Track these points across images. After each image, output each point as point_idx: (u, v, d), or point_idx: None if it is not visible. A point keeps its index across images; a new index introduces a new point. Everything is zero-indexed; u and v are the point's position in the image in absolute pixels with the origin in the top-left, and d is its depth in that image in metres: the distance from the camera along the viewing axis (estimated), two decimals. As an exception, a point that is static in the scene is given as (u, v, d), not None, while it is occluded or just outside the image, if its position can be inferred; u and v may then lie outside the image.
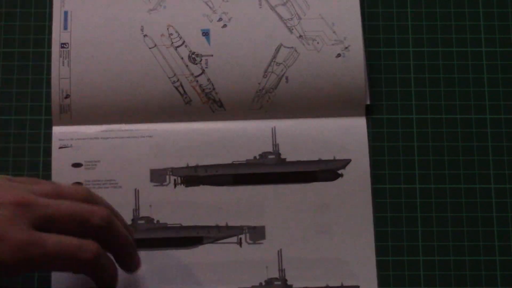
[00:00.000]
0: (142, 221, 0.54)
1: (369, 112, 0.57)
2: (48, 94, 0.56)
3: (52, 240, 0.44)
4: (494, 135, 0.57)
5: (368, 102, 0.56)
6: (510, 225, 0.55)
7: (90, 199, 0.47)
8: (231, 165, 0.55)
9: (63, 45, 0.56)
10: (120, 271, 0.49)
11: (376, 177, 0.56)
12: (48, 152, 0.55)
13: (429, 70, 0.58)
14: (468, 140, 0.57)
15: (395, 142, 0.57)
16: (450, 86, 0.58)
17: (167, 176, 0.54)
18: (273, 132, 0.55)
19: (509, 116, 0.57)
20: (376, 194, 0.56)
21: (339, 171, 0.55)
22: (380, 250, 0.55)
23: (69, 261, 0.45)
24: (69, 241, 0.44)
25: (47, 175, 0.55)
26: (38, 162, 0.55)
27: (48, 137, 0.56)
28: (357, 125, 0.56)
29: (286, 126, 0.55)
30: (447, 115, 0.57)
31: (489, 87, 0.58)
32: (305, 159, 0.55)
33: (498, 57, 0.58)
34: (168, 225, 0.54)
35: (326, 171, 0.55)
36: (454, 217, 0.55)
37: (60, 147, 0.55)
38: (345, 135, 0.55)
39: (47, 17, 0.58)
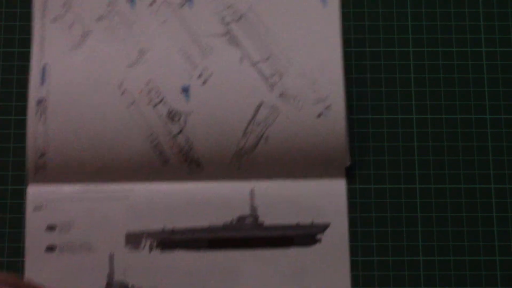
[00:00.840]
0: (117, 286, 0.53)
1: (368, 112, 0.57)
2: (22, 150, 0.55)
3: None
4: (494, 135, 0.57)
5: (349, 163, 0.55)
6: (510, 225, 0.55)
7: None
8: (208, 229, 0.54)
9: (39, 101, 0.54)
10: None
11: (376, 177, 0.56)
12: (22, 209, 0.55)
13: (429, 70, 0.58)
14: (468, 140, 0.57)
15: (395, 142, 0.57)
16: (450, 86, 0.58)
17: (143, 240, 0.53)
18: (251, 194, 0.54)
19: (509, 116, 0.57)
20: (376, 194, 0.56)
21: (317, 236, 0.54)
22: (380, 250, 0.55)
23: None
24: None
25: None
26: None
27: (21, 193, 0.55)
28: (336, 188, 0.55)
29: (264, 188, 0.54)
30: (447, 115, 0.57)
31: (489, 87, 0.58)
32: (283, 222, 0.54)
33: (498, 57, 0.58)
34: None
35: (304, 235, 0.54)
36: (454, 217, 0.56)
37: (34, 210, 0.54)
38: (324, 198, 0.54)
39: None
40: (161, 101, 0.54)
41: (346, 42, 0.58)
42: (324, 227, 0.54)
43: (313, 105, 0.54)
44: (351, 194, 0.56)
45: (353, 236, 0.55)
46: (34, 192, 0.54)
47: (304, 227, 0.54)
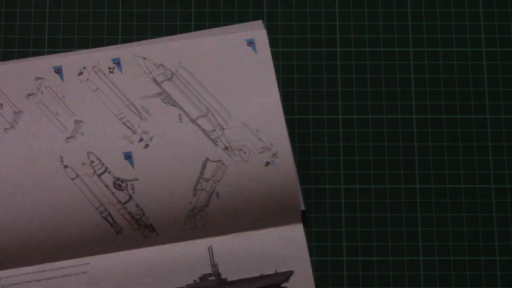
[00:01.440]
0: None
1: (369, 112, 0.57)
2: None
3: None
4: (494, 135, 0.57)
5: (303, 208, 0.55)
6: (510, 225, 0.55)
7: None
8: None
9: None
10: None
11: (376, 178, 0.56)
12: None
13: (429, 70, 0.58)
14: (468, 140, 0.57)
15: (395, 142, 0.57)
16: (450, 86, 0.58)
17: None
18: (210, 251, 0.54)
19: (509, 116, 0.57)
20: (376, 194, 0.56)
21: (283, 285, 0.53)
22: (380, 250, 0.55)
23: None
24: None
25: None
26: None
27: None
28: (295, 234, 0.54)
29: (222, 244, 0.54)
30: (447, 115, 0.57)
31: (489, 87, 0.58)
32: (246, 276, 0.53)
33: (498, 57, 0.58)
34: None
35: (269, 286, 0.53)
36: (454, 217, 0.56)
37: None
38: (284, 246, 0.54)
39: (47, 18, 0.58)
40: (105, 171, 0.53)
41: (346, 42, 0.58)
42: (288, 275, 0.53)
43: (259, 154, 0.54)
44: (351, 194, 0.56)
45: (353, 236, 0.55)
46: None
47: (268, 277, 0.53)
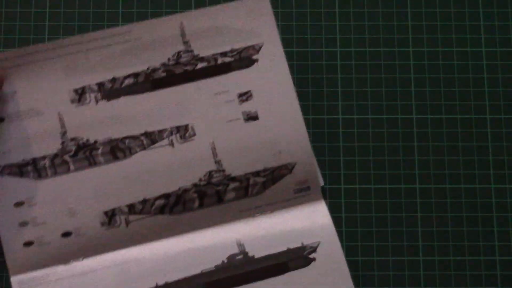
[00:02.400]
0: None
1: (369, 112, 0.57)
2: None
3: None
4: (494, 135, 0.57)
5: (322, 184, 0.55)
6: (510, 225, 0.55)
7: None
8: (201, 275, 0.53)
9: None
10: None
11: (376, 178, 0.56)
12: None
13: (429, 70, 0.58)
14: (468, 140, 0.57)
15: (395, 142, 0.57)
16: (450, 86, 0.58)
17: None
18: (236, 233, 0.54)
19: (509, 116, 0.57)
20: (376, 194, 0.56)
21: (311, 256, 0.53)
22: (380, 250, 0.55)
23: None
24: None
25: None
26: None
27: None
28: (318, 208, 0.54)
29: (248, 225, 0.54)
30: (447, 115, 0.57)
31: (489, 87, 0.58)
32: (273, 251, 0.54)
33: (498, 57, 0.58)
34: None
35: (297, 258, 0.53)
36: (454, 217, 0.56)
37: None
38: (309, 219, 0.54)
39: (47, 18, 0.58)
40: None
41: (346, 42, 0.58)
42: (315, 246, 0.54)
43: None
44: (351, 194, 0.56)
45: (353, 236, 0.55)
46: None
47: (296, 250, 0.54)
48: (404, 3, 0.59)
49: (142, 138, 0.54)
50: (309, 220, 0.54)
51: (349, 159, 0.56)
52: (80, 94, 0.54)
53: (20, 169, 0.53)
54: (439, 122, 0.57)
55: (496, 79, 0.58)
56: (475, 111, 0.57)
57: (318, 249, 0.53)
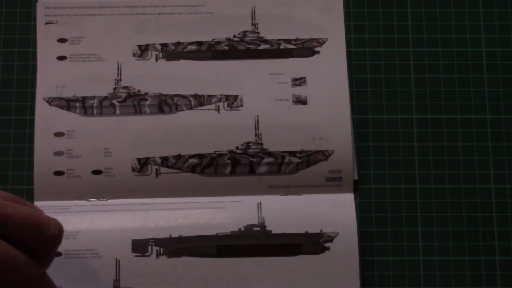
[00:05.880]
0: None
1: (369, 112, 0.57)
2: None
3: (2, 247, 0.41)
4: (494, 135, 0.57)
5: (356, 178, 0.55)
6: (510, 225, 0.55)
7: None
8: (215, 237, 0.54)
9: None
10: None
11: (376, 178, 0.56)
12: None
13: (429, 70, 0.58)
14: (468, 140, 0.57)
15: (395, 142, 0.57)
16: (450, 86, 0.58)
17: (149, 247, 0.53)
18: (259, 206, 0.54)
19: (509, 116, 0.57)
20: (376, 194, 0.56)
21: (326, 245, 0.54)
22: (380, 250, 0.55)
23: (14, 274, 0.42)
24: (18, 254, 0.42)
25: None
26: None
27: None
28: (344, 199, 0.55)
29: (271, 201, 0.55)
30: (447, 115, 0.57)
31: (489, 87, 0.58)
32: (291, 231, 0.54)
33: (498, 57, 0.58)
34: None
35: (313, 243, 0.54)
36: (454, 217, 0.55)
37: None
38: (332, 208, 0.54)
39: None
40: None
41: (347, 42, 0.58)
42: (333, 236, 0.54)
43: None
44: (353, 194, 0.56)
45: (353, 236, 0.55)
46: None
47: (313, 235, 0.54)
48: (404, 3, 0.59)
49: (191, 98, 0.56)
50: (333, 209, 0.54)
51: (349, 159, 0.56)
52: (142, 50, 0.57)
53: (68, 103, 0.56)
54: (439, 122, 0.57)
55: (496, 79, 0.58)
56: (475, 111, 0.57)
57: (334, 240, 0.54)
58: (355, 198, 0.55)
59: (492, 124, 0.57)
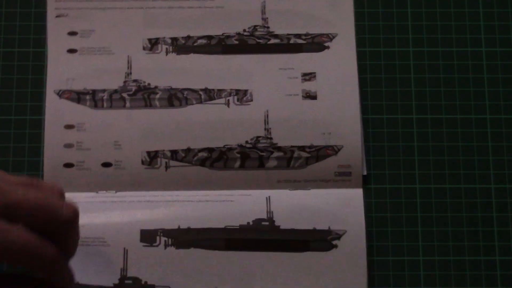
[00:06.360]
0: (129, 281, 0.53)
1: (369, 112, 0.57)
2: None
3: (16, 231, 0.41)
4: (494, 135, 0.57)
5: (365, 173, 0.56)
6: (510, 225, 0.55)
7: (63, 198, 0.45)
8: (224, 230, 0.54)
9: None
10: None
11: (376, 177, 0.56)
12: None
13: (429, 70, 0.58)
14: (468, 140, 0.57)
15: (395, 142, 0.57)
16: (450, 86, 0.58)
17: (158, 237, 0.54)
18: (268, 200, 0.54)
19: (509, 116, 0.57)
20: (376, 194, 0.56)
21: (334, 242, 0.54)
22: (380, 250, 0.55)
23: (28, 257, 0.42)
24: (32, 236, 0.42)
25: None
26: (38, 162, 0.55)
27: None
28: (353, 196, 0.55)
29: (280, 196, 0.55)
30: (447, 115, 0.57)
31: (489, 87, 0.58)
32: (299, 227, 0.54)
33: (498, 57, 0.58)
34: (156, 287, 0.53)
35: (320, 240, 0.54)
36: (454, 217, 0.56)
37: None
38: (341, 206, 0.54)
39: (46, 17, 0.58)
40: None
41: (346, 42, 0.58)
42: (341, 234, 0.54)
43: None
44: (351, 194, 0.56)
45: (353, 236, 0.55)
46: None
47: (321, 232, 0.54)
48: (404, 3, 0.59)
49: (201, 92, 0.56)
50: (342, 205, 0.54)
51: (349, 159, 0.56)
52: (152, 44, 0.57)
53: (78, 96, 0.56)
54: (439, 122, 0.57)
55: (496, 79, 0.58)
56: (475, 111, 0.57)
57: (342, 238, 0.54)
58: (364, 193, 0.55)
59: (492, 124, 0.57)
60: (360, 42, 0.58)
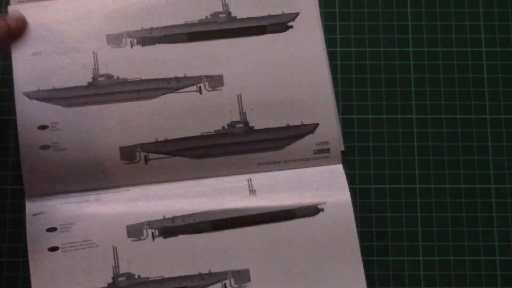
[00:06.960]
0: (123, 278, 0.53)
1: (369, 112, 0.57)
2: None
3: None
4: (494, 135, 0.57)
5: (343, 149, 0.56)
6: (510, 225, 0.55)
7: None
8: (209, 212, 0.55)
9: None
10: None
11: (376, 177, 0.56)
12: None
13: (429, 70, 0.58)
14: (468, 140, 0.57)
15: (395, 142, 0.57)
16: (450, 86, 0.58)
17: (144, 230, 0.54)
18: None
19: (509, 116, 0.57)
20: (376, 194, 0.56)
21: (320, 206, 0.54)
22: (380, 250, 0.55)
23: None
24: None
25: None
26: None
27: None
28: (335, 171, 0.55)
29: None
30: (447, 115, 0.57)
31: (489, 87, 0.58)
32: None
33: (498, 57, 0.58)
34: (150, 279, 0.53)
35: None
36: (454, 217, 0.56)
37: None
38: (324, 180, 0.55)
39: (47, 17, 0.58)
40: None
41: (346, 42, 0.58)
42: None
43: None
44: (351, 194, 0.56)
45: (353, 236, 0.55)
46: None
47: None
48: (404, 3, 0.59)
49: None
50: (325, 180, 0.55)
51: (349, 159, 0.56)
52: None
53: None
54: (439, 122, 0.57)
55: (496, 79, 0.58)
56: (475, 111, 0.57)
57: (328, 203, 0.54)
58: (355, 198, 0.55)
59: (492, 124, 0.57)
60: (360, 42, 0.58)
